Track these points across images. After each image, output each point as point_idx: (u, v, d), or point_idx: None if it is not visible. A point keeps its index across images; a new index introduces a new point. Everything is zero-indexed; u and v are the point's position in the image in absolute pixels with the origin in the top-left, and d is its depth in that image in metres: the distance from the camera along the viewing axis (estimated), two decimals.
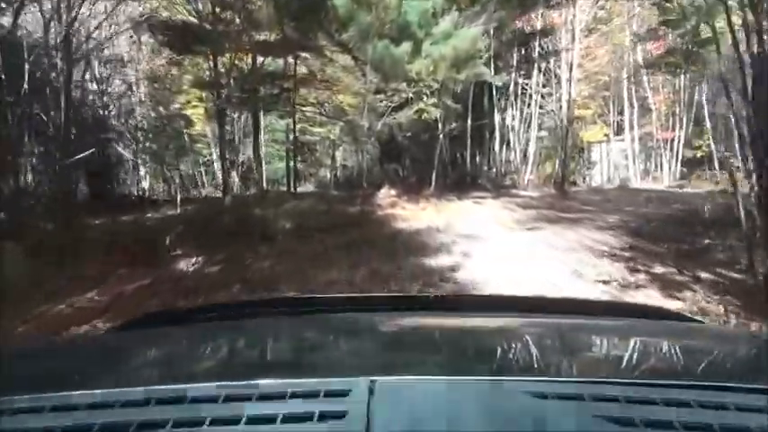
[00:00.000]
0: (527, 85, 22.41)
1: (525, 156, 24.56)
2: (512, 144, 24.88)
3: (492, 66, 19.58)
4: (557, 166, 24.81)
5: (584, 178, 31.02)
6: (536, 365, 1.05)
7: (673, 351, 1.19)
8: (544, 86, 22.67)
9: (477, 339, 1.30)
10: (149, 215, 12.53)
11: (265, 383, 0.79)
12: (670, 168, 27.29)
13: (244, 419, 0.67)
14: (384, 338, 1.32)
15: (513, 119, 24.64)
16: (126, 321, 1.57)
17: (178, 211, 12.76)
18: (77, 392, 0.76)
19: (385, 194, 16.06)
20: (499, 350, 1.20)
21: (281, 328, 1.41)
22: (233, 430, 0.66)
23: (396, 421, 0.66)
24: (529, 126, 24.03)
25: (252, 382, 0.78)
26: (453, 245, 9.12)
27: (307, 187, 28.62)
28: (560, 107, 22.02)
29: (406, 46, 11.78)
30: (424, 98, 13.01)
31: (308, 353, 1.20)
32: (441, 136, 23.83)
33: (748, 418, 0.67)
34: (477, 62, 12.71)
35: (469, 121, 24.56)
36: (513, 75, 22.41)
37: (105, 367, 1.07)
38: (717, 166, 24.03)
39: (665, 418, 0.67)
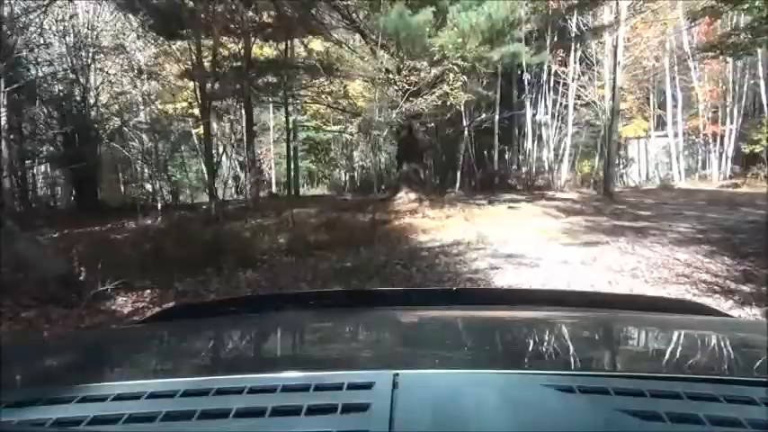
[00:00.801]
0: (563, 73, 19.83)
1: (559, 153, 22.04)
2: (544, 140, 22.40)
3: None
4: (596, 164, 22.25)
5: (621, 177, 28.60)
6: (560, 359, 1.02)
7: (699, 345, 1.16)
8: (582, 74, 20.06)
9: (499, 333, 1.27)
10: (110, 227, 10.30)
11: (289, 376, 0.79)
12: (719, 166, 24.53)
13: (268, 411, 0.66)
14: (407, 332, 1.29)
15: (547, 112, 22.10)
16: (150, 315, 1.66)
17: (150, 222, 10.48)
18: (105, 384, 0.78)
19: (403, 199, 13.68)
20: (522, 343, 1.18)
21: (304, 321, 1.40)
22: (258, 422, 0.65)
23: (419, 414, 0.65)
24: (564, 120, 21.48)
25: (276, 374, 0.81)
26: (495, 272, 6.72)
27: (320, 190, 26.44)
28: (602, 97, 19.41)
29: (426, 13, 9.43)
30: (450, 79, 10.54)
31: (331, 346, 1.19)
32: (465, 131, 21.46)
33: None
34: (514, 37, 10.23)
35: (497, 115, 22.28)
36: (547, 60, 19.87)
37: (132, 360, 1.09)
38: None
39: (691, 412, 0.65)
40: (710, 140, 24.67)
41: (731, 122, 24.13)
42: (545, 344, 1.16)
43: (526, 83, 20.86)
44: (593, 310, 1.47)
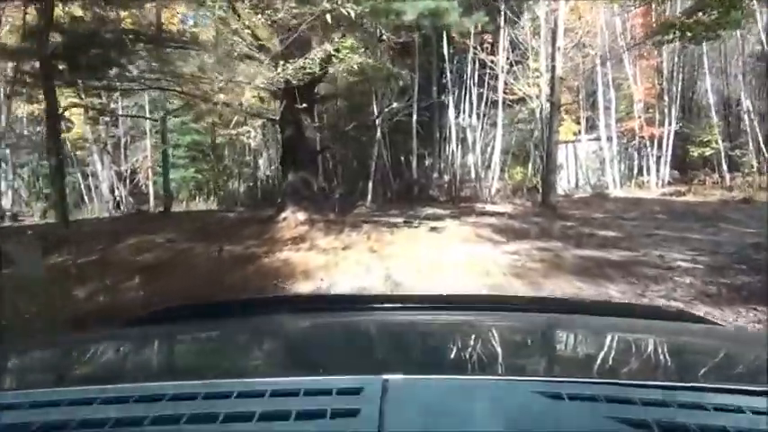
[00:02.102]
0: (492, 63, 16.69)
1: (487, 158, 18.97)
2: (470, 143, 19.27)
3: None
4: (530, 170, 19.30)
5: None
6: (549, 365, 1.03)
7: (689, 354, 1.17)
8: (515, 63, 16.99)
9: (489, 339, 1.28)
10: None
11: (278, 381, 0.79)
12: (658, 172, 22.22)
13: (257, 416, 0.66)
14: (396, 337, 1.29)
15: (472, 109, 18.97)
16: (137, 318, 1.56)
17: None
18: (92, 387, 0.77)
19: (289, 220, 9.94)
20: (512, 349, 1.19)
21: (293, 326, 1.40)
22: (246, 426, 0.65)
23: (408, 420, 0.66)
24: (493, 119, 18.40)
25: (265, 379, 0.81)
26: None
27: (212, 203, 22.27)
28: (539, 91, 16.40)
29: None
30: (335, 37, 6.99)
31: (321, 351, 1.17)
32: (378, 131, 18.00)
33: (764, 421, 0.66)
34: None
35: (415, 115, 19.00)
36: (471, 47, 16.71)
37: (119, 363, 1.09)
38: (726, 168, 19.01)
39: (680, 420, 0.65)
40: (647, 143, 22.29)
41: (669, 124, 21.88)
42: (535, 350, 1.17)
43: (448, 72, 17.60)
44: (584, 318, 1.46)
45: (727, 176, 18.70)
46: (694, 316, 1.87)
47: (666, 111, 22.13)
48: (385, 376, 0.75)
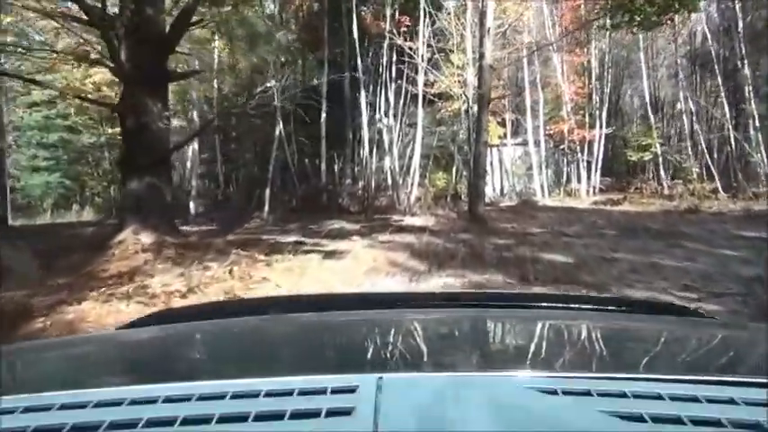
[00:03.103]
0: (411, 51, 14.27)
1: (406, 163, 16.59)
2: (386, 145, 16.82)
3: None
4: (454, 176, 17.02)
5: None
6: (543, 361, 1.03)
7: (681, 346, 1.17)
8: (439, 52, 14.61)
9: (483, 335, 1.29)
10: None
11: (273, 380, 0.79)
12: (589, 179, 20.57)
13: (252, 416, 0.65)
14: (391, 335, 1.28)
15: (389, 107, 16.55)
16: (132, 321, 1.52)
17: None
18: (86, 390, 0.77)
19: (128, 243, 7.02)
20: (505, 345, 1.20)
21: (287, 325, 1.41)
22: (241, 427, 0.65)
23: (403, 418, 0.65)
24: (412, 118, 16.02)
25: (259, 379, 0.80)
26: None
27: (79, 215, 18.73)
28: (464, 82, 14.10)
29: None
30: None
31: (314, 350, 1.17)
32: (279, 127, 15.24)
33: (757, 412, 0.66)
34: None
35: (324, 112, 16.46)
36: (386, 31, 14.28)
37: (113, 366, 1.09)
38: (663, 175, 17.43)
39: (673, 412, 0.66)
40: (577, 148, 20.60)
41: (600, 126, 20.30)
42: (529, 346, 1.16)
43: (359, 60, 15.10)
44: (576, 313, 1.47)
45: (665, 183, 17.10)
46: (686, 309, 1.76)
47: (597, 112, 20.55)
48: (379, 375, 0.75)
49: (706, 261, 7.43)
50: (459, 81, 14.23)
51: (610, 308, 1.59)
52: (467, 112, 13.74)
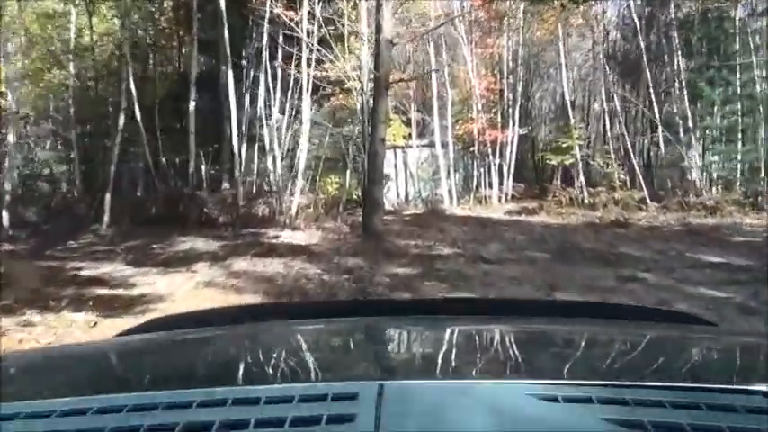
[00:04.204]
0: (294, 23, 11.42)
1: (293, 164, 13.74)
2: (268, 144, 13.93)
3: None
4: (348, 180, 14.33)
5: None
6: (544, 368, 1.01)
7: (682, 354, 1.16)
8: (327, 25, 11.76)
9: (484, 342, 1.27)
10: None
11: (273, 387, 0.79)
12: (501, 184, 18.52)
13: (252, 423, 0.66)
14: (392, 343, 1.29)
15: (270, 96, 13.67)
16: (131, 328, 1.54)
17: None
18: (86, 397, 0.77)
19: None
20: (507, 353, 1.18)
21: (287, 332, 1.40)
22: None
23: (404, 425, 0.65)
24: (298, 110, 13.19)
25: (260, 386, 0.80)
26: None
27: None
28: (358, 68, 11.42)
29: None
30: None
31: (315, 357, 1.16)
32: (121, 116, 11.98)
33: (758, 420, 0.66)
34: None
35: (193, 103, 13.43)
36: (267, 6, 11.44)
37: (113, 373, 1.09)
38: (583, 181, 15.53)
39: (674, 420, 0.66)
40: (489, 150, 18.50)
41: (513, 126, 18.34)
42: (530, 354, 1.13)
43: (225, 34, 12.12)
44: (577, 320, 1.45)
45: (586, 191, 15.21)
46: (688, 315, 1.84)
47: (510, 111, 18.55)
48: (381, 382, 0.75)
49: (691, 310, 5.13)
50: (353, 63, 11.49)
51: (611, 315, 1.57)
52: (361, 99, 11.04)
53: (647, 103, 14.82)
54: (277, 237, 10.55)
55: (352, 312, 1.63)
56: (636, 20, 15.10)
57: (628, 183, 14.87)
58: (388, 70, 9.52)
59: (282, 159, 13.86)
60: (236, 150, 12.90)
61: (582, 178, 15.37)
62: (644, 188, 14.03)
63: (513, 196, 18.47)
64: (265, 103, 13.78)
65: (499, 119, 18.63)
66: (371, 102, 10.00)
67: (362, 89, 10.65)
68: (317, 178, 14.44)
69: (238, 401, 0.72)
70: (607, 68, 16.31)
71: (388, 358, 1.13)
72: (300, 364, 1.11)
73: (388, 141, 20.94)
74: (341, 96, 12.41)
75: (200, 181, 13.67)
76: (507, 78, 18.78)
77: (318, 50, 10.90)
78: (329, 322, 1.46)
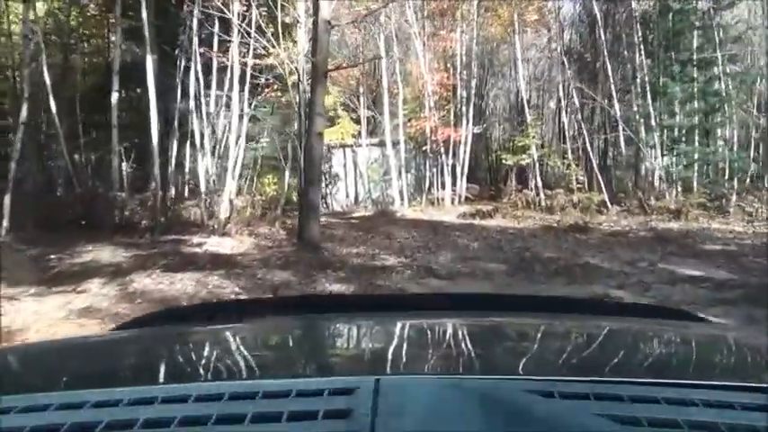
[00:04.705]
0: (226, 7, 10.14)
1: (227, 162, 12.39)
2: (198, 140, 12.57)
3: None
4: (287, 181, 13.06)
5: (324, 199, 20.69)
6: (541, 364, 1.03)
7: (679, 350, 1.17)
8: (260, 5, 10.48)
9: (481, 338, 1.27)
10: None
11: (270, 382, 0.79)
12: (454, 185, 17.57)
13: (249, 417, 0.65)
14: (389, 338, 1.28)
15: (201, 86, 12.34)
16: (128, 321, 1.56)
17: None
18: (83, 391, 0.77)
19: None
20: (503, 349, 1.18)
21: (284, 327, 1.40)
22: (238, 428, 0.65)
23: (401, 420, 0.65)
24: (230, 104, 11.87)
25: (256, 381, 0.81)
26: None
27: None
28: (295, 54, 10.21)
29: None
30: None
31: (312, 352, 1.16)
32: (23, 108, 10.48)
33: (754, 417, 0.66)
34: None
35: (115, 94, 12.05)
36: None
37: (110, 367, 1.06)
38: (540, 183, 14.68)
39: (670, 416, 0.66)
40: (442, 150, 17.55)
41: (467, 123, 17.42)
42: (526, 349, 1.14)
43: (144, 12, 10.76)
44: (574, 316, 1.45)
45: (543, 193, 14.35)
46: (681, 312, 1.74)
47: (463, 108, 17.61)
48: (377, 377, 0.74)
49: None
50: (291, 49, 10.24)
51: (605, 311, 1.59)
52: (296, 87, 9.81)
53: (607, 100, 14.06)
54: (201, 244, 9.28)
55: (351, 307, 1.62)
56: (596, 12, 14.32)
57: (586, 184, 14.07)
58: (326, 55, 8.35)
59: (219, 157, 12.53)
60: (155, 146, 11.48)
61: (539, 179, 14.51)
62: (603, 190, 13.24)
63: (466, 198, 17.56)
64: (196, 95, 12.40)
65: (452, 117, 17.68)
66: (309, 82, 8.82)
67: (300, 78, 9.43)
68: (254, 178, 13.16)
69: (235, 396, 0.70)
70: (566, 63, 15.47)
71: (385, 353, 1.11)
72: (297, 359, 1.10)
73: (336, 140, 20.00)
74: (276, 87, 11.11)
75: (121, 180, 12.20)
76: (461, 74, 17.85)
77: (248, 34, 9.63)
78: (327, 317, 1.45)
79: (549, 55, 18.00)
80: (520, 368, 0.97)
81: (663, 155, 12.68)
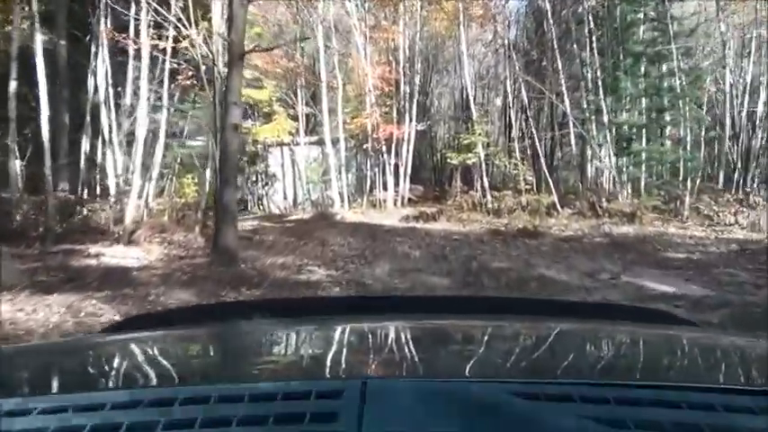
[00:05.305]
0: None
1: (149, 161, 11.04)
2: (107, 135, 11.19)
3: None
4: (208, 179, 11.67)
5: (261, 200, 19.63)
6: (526, 367, 1.02)
7: (663, 353, 1.14)
8: None
9: (467, 341, 1.26)
10: None
11: (256, 385, 0.78)
12: (397, 186, 16.60)
13: (235, 420, 0.65)
14: (375, 341, 1.25)
15: (108, 71, 10.97)
16: (112, 324, 1.55)
17: None
18: (66, 395, 0.77)
19: None
20: (489, 352, 1.16)
21: (270, 330, 1.37)
22: (225, 431, 0.64)
23: (387, 422, 0.65)
24: (145, 95, 10.49)
25: (242, 383, 0.79)
26: None
27: None
28: (209, 37, 8.93)
29: None
30: None
31: (298, 355, 1.15)
32: None
33: (737, 418, 0.67)
34: None
35: (14, 82, 10.53)
36: None
37: (94, 370, 1.07)
38: (487, 183, 13.81)
39: (654, 418, 0.66)
40: (384, 148, 16.56)
41: (410, 121, 16.49)
42: (512, 352, 1.13)
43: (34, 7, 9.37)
44: (560, 319, 1.43)
45: (489, 194, 13.47)
46: (668, 315, 1.79)
47: (406, 104, 16.65)
48: (364, 379, 0.74)
49: None
50: (204, 28, 8.93)
51: (592, 313, 1.58)
52: (208, 75, 8.54)
53: (556, 96, 13.30)
54: (99, 255, 7.94)
55: (337, 310, 1.61)
56: (546, 4, 13.54)
57: (535, 185, 13.28)
58: (243, 35, 7.15)
59: (121, 153, 11.12)
60: (46, 140, 9.98)
61: (485, 179, 13.63)
62: (553, 191, 12.45)
63: (410, 199, 16.64)
64: (107, 85, 10.95)
65: (395, 113, 16.69)
66: (225, 64, 7.60)
67: (214, 61, 8.18)
68: (173, 177, 11.80)
69: (221, 399, 0.70)
70: (514, 57, 14.66)
71: (371, 356, 1.10)
72: (284, 361, 1.09)
73: (273, 138, 18.74)
74: (191, 74, 9.80)
75: (14, 179, 10.63)
76: (404, 68, 16.88)
77: (157, 12, 8.32)
78: (313, 320, 1.44)
79: (495, 50, 17.20)
80: (505, 371, 0.97)
81: (615, 154, 11.96)
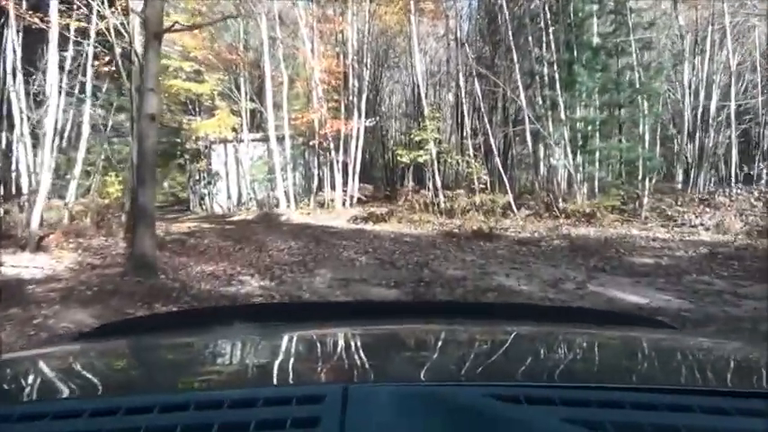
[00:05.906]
0: None
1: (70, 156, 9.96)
2: (19, 126, 10.02)
3: None
4: (131, 178, 10.63)
5: (203, 200, 18.73)
6: (507, 370, 1.01)
7: (644, 356, 1.15)
8: None
9: (448, 346, 1.25)
10: None
11: (237, 391, 0.77)
12: (346, 185, 15.84)
13: (216, 427, 0.64)
14: (356, 346, 1.22)
15: (19, 65, 9.80)
16: (90, 330, 1.51)
17: None
18: (44, 402, 0.76)
19: None
20: (471, 356, 1.14)
21: (251, 336, 1.33)
22: None
23: (369, 427, 0.65)
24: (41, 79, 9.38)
25: (223, 389, 0.80)
26: None
27: None
28: (126, 17, 7.91)
29: None
30: None
31: (279, 361, 1.10)
32: None
33: (714, 420, 0.67)
34: None
35: None
36: None
37: (73, 378, 1.03)
38: (439, 183, 13.13)
39: (634, 420, 0.66)
40: (332, 146, 15.79)
41: (360, 116, 15.75)
42: (493, 356, 1.12)
43: None
44: (542, 324, 1.41)
45: (442, 194, 12.78)
46: (649, 319, 1.79)
47: (355, 99, 15.87)
48: (345, 385, 0.74)
49: None
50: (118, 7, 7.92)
51: (575, 318, 1.56)
52: (124, 57, 7.55)
53: (513, 90, 12.71)
54: None
55: (319, 315, 1.60)
56: None
57: (489, 184, 12.66)
58: (161, 12, 6.20)
59: (52, 151, 9.97)
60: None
61: (437, 178, 12.95)
62: (508, 191, 11.84)
63: (359, 199, 15.95)
64: (14, 70, 9.77)
65: (343, 109, 15.88)
66: (143, 46, 6.64)
67: (131, 42, 7.18)
68: (96, 175, 10.68)
69: (201, 405, 0.69)
70: (468, 52, 14.01)
71: (353, 362, 1.09)
72: (265, 367, 1.06)
73: (215, 134, 17.71)
74: (107, 59, 8.75)
75: None
76: (352, 61, 16.09)
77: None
78: (294, 326, 1.41)
79: (447, 45, 16.57)
80: (486, 374, 0.97)
81: (572, 152, 11.43)
